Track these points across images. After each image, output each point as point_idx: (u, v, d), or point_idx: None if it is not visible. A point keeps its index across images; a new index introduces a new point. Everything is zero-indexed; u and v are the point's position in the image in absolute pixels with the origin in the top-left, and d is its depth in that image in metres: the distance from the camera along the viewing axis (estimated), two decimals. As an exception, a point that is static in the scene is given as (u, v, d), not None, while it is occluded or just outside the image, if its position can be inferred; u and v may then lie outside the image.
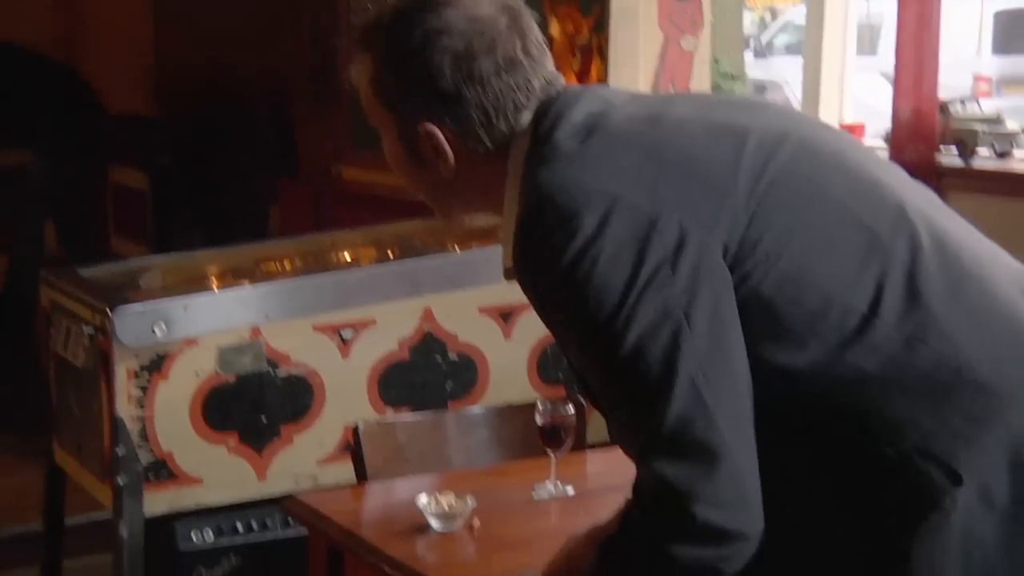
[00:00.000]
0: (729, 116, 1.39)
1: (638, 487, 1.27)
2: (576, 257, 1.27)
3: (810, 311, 1.28)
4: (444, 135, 1.41)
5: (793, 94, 7.14)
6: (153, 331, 2.49)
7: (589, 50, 2.98)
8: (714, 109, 1.43)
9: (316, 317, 2.65)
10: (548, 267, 1.30)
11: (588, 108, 1.38)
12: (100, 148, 5.68)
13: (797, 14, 9.18)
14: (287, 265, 3.06)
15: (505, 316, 2.83)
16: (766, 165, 1.32)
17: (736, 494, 1.23)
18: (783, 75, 8.13)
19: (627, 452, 1.30)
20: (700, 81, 3.21)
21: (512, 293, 2.80)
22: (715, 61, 3.59)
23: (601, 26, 2.92)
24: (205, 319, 2.56)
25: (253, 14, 6.01)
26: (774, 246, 1.28)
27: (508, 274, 1.42)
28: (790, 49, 9.02)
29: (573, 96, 1.40)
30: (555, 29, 3.07)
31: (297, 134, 5.31)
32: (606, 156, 1.32)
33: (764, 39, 9.90)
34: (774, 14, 10.79)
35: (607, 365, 1.29)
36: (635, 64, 2.90)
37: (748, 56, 6.37)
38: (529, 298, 1.37)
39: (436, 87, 1.39)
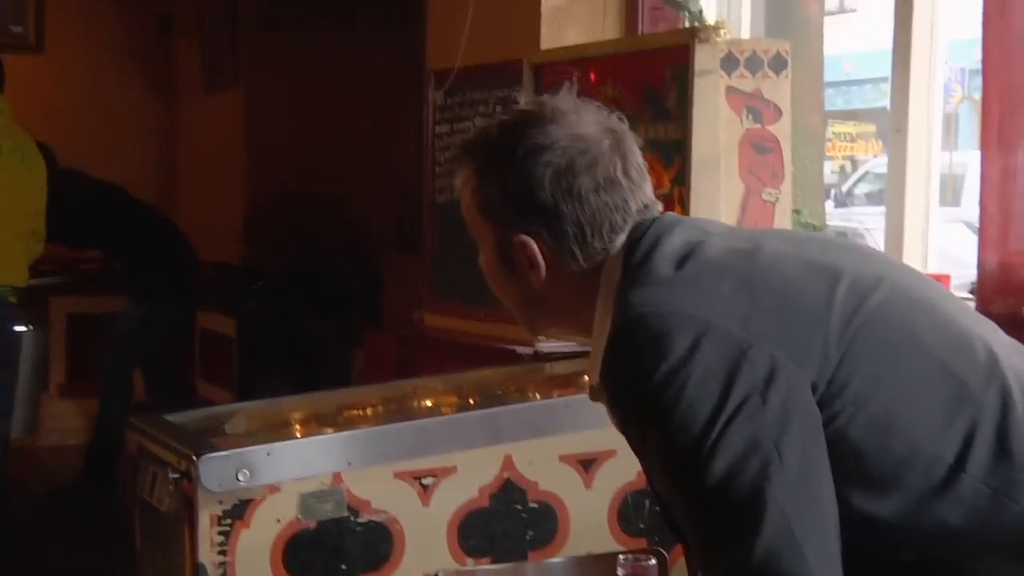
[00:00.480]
0: (823, 255, 1.40)
1: None
2: (665, 379, 1.27)
3: (896, 458, 1.26)
4: (539, 247, 1.44)
5: (875, 243, 7.11)
6: (237, 477, 2.51)
7: (670, 201, 3.01)
8: (808, 247, 1.44)
9: (397, 464, 2.66)
10: (636, 388, 1.30)
11: (685, 236, 1.40)
12: (194, 301, 5.80)
13: (877, 163, 9.21)
14: (369, 411, 3.08)
15: (586, 464, 2.81)
16: (859, 307, 1.31)
17: None
18: (864, 224, 8.11)
19: None
20: (781, 231, 3.22)
21: (593, 441, 2.80)
22: (796, 211, 3.60)
23: (682, 178, 2.96)
24: (288, 466, 2.57)
25: (341, 170, 6.19)
26: (863, 389, 1.27)
27: (594, 394, 1.45)
28: (871, 198, 9.03)
29: (671, 223, 1.43)
30: (636, 180, 3.11)
31: (382, 282, 5.41)
32: (701, 283, 1.33)
33: (845, 188, 9.91)
34: (854, 164, 10.83)
35: (693, 492, 1.27)
36: (716, 215, 2.92)
37: (829, 205, 6.38)
38: (614, 418, 1.37)
39: (535, 199, 1.43)
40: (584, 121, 1.44)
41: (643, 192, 1.46)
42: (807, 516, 1.22)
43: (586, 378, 1.49)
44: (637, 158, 1.47)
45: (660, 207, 1.48)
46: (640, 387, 1.29)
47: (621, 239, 1.42)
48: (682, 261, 1.36)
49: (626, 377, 1.32)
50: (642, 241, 1.40)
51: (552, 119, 1.44)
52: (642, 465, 1.38)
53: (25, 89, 5.97)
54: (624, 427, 1.36)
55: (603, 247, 1.43)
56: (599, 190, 1.42)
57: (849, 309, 1.31)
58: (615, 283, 1.41)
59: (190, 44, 6.87)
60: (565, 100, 1.47)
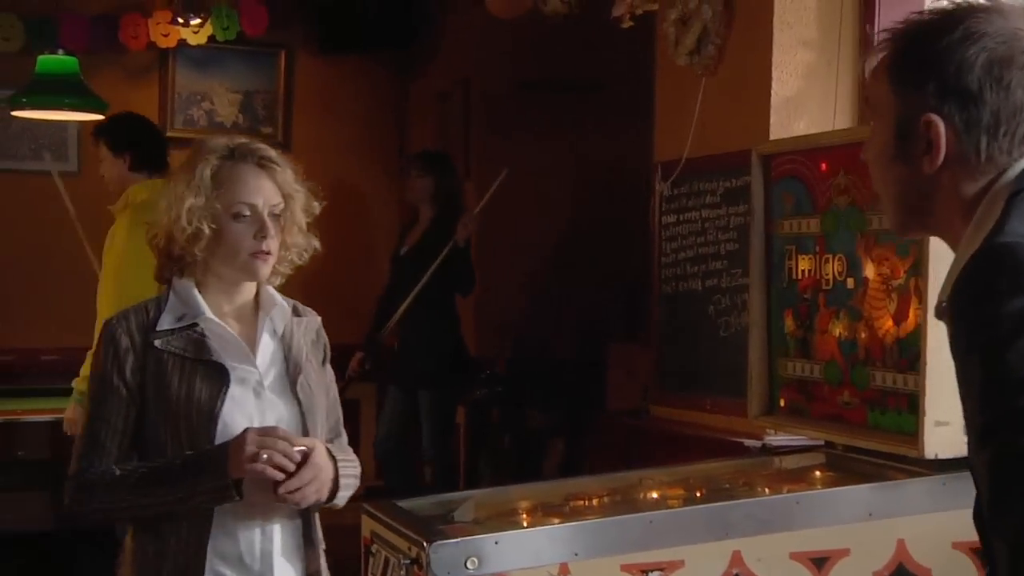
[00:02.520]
0: None
1: None
2: (1012, 313, 1.23)
3: None
4: (945, 131, 1.41)
5: None
6: (466, 565, 2.55)
7: (906, 292, 2.93)
8: None
9: (624, 556, 2.64)
10: (979, 313, 1.26)
11: None
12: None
13: None
14: (595, 502, 3.07)
15: (819, 563, 2.73)
16: None
17: None
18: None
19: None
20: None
21: (826, 539, 2.72)
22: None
23: (918, 268, 2.87)
24: (515, 555, 2.59)
25: (568, 260, 6.28)
26: None
27: (939, 311, 1.39)
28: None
29: None
30: (870, 270, 3.05)
31: (608, 373, 5.42)
32: None
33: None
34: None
35: (1005, 443, 1.23)
36: (955, 307, 2.82)
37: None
38: (951, 342, 1.32)
39: (961, 80, 1.39)
40: None
41: None
42: None
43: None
44: None
45: None
46: (984, 312, 1.25)
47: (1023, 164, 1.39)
48: None
49: (973, 299, 1.28)
50: None
51: (998, 12, 1.42)
52: (963, 402, 1.33)
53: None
54: (956, 352, 1.31)
55: (1007, 152, 1.39)
56: None
57: None
58: (999, 205, 1.36)
59: (422, 134, 7.13)
60: (1015, 3, 1.45)
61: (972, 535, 1.45)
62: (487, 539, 2.61)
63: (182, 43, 6.46)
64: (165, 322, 2.33)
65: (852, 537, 2.77)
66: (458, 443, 6.15)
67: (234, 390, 2.31)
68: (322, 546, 2.44)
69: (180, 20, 6.31)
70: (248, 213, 2.31)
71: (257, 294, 2.43)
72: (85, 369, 4.04)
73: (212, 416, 2.28)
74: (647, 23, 4.34)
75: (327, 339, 2.52)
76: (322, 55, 7.02)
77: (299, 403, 2.37)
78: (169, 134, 6.86)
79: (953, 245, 1.46)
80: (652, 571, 2.65)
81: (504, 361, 6.34)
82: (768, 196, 3.41)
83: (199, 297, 2.35)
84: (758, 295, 3.43)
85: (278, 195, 2.34)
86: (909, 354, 2.91)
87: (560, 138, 6.37)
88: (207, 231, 2.28)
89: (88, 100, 5.98)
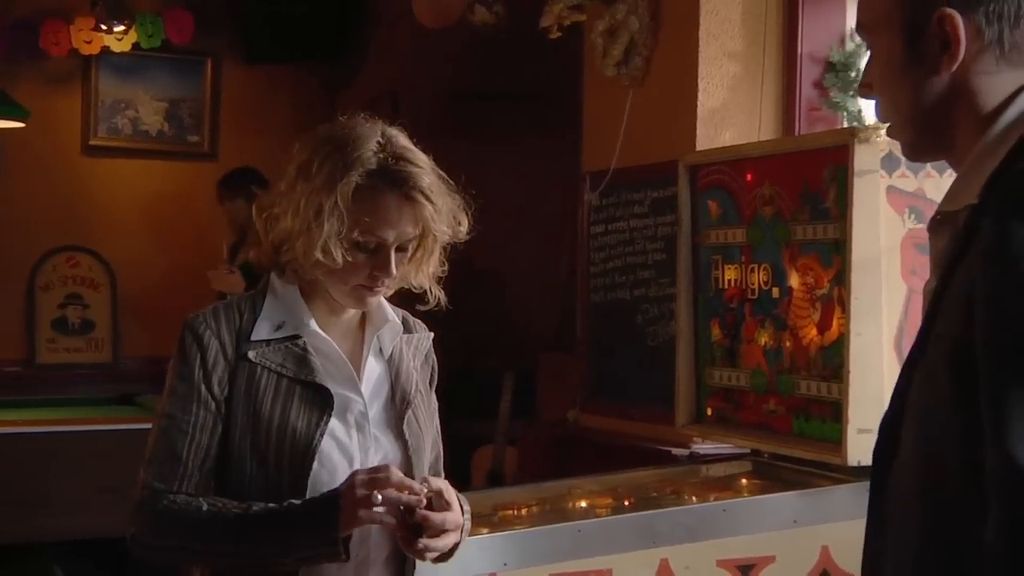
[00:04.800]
0: None
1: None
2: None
3: None
4: (963, 24, 1.29)
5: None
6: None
7: (830, 301, 2.97)
8: None
9: (552, 566, 2.64)
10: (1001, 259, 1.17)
11: None
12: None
13: (1048, 262, 8.89)
14: (524, 512, 3.08)
15: (744, 570, 2.75)
16: None
17: None
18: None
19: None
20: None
21: (752, 546, 2.74)
22: (961, 311, 3.51)
23: (841, 278, 2.91)
24: (444, 565, 2.58)
25: (499, 270, 6.28)
26: None
27: (933, 225, 1.34)
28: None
29: None
30: (795, 280, 3.09)
31: (539, 383, 5.43)
32: None
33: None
34: (1023, 262, 10.50)
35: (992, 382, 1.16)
36: (878, 315, 2.87)
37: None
38: (939, 257, 1.27)
39: None
40: None
41: None
42: None
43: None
44: None
45: None
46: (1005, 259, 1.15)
47: None
48: None
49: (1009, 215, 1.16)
50: None
51: None
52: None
53: (203, 193, 6.30)
54: (989, 257, 1.18)
55: None
56: None
57: None
58: (1018, 119, 1.27)
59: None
60: None
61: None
62: (416, 550, 2.60)
63: (106, 50, 6.36)
64: (262, 330, 1.95)
65: (778, 544, 2.80)
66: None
67: (334, 421, 1.94)
68: None
69: (103, 27, 6.22)
70: (374, 247, 1.92)
71: None
72: None
73: (309, 449, 1.90)
74: (576, 34, 4.36)
75: (436, 360, 2.17)
76: (249, 64, 6.96)
77: (405, 442, 2.00)
78: (92, 142, 6.78)
79: (958, 163, 1.34)
80: (580, 580, 2.65)
81: (456, 373, 6.32)
82: (695, 206, 3.45)
83: (305, 305, 1.97)
84: (685, 304, 3.46)
85: (415, 229, 1.95)
86: (832, 363, 2.95)
87: (491, 149, 6.38)
88: (339, 262, 1.89)
89: (8, 108, 5.88)
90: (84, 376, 6.49)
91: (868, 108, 3.87)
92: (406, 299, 2.09)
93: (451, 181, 2.03)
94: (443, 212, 1.97)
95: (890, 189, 2.89)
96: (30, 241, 6.56)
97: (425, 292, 2.06)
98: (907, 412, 1.30)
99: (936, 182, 2.86)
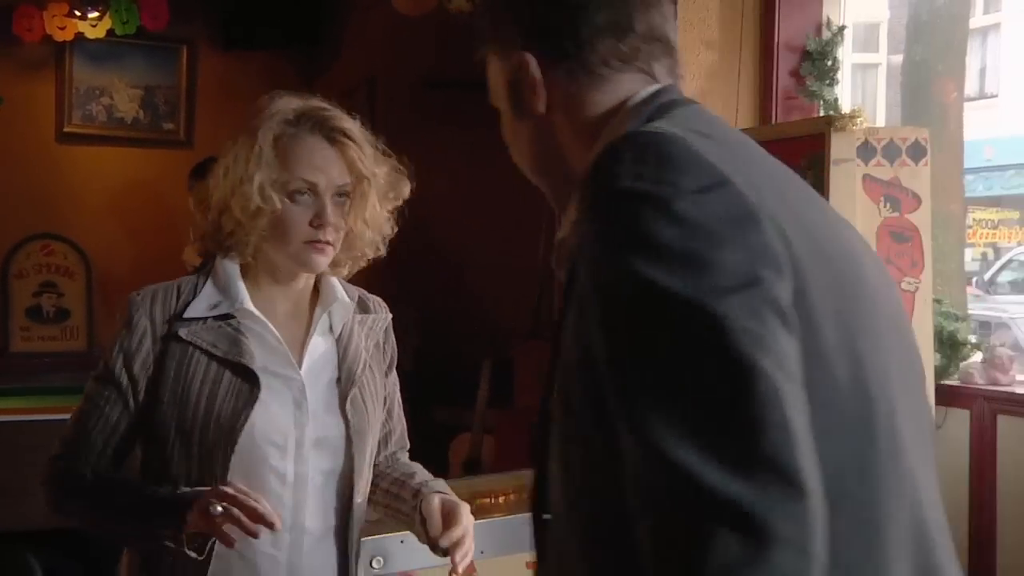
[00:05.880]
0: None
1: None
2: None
3: None
4: (534, 62, 1.27)
5: (1021, 332, 6.91)
6: (371, 564, 2.53)
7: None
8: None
9: (530, 554, 2.64)
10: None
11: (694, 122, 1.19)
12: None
13: (1022, 251, 8.97)
14: (502, 500, 3.07)
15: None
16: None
17: None
18: (1009, 313, 7.89)
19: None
20: (922, 322, 3.15)
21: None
22: (937, 301, 3.52)
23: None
24: (421, 553, 2.57)
25: (477, 258, 6.28)
26: None
27: (555, 257, 1.30)
28: (1015, 286, 8.78)
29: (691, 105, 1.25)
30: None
31: (516, 370, 5.43)
32: None
33: (987, 276, 9.67)
34: (997, 251, 10.57)
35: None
36: (853, 304, 2.87)
37: (971, 293, 6.23)
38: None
39: (530, 9, 1.28)
40: None
41: (676, 62, 1.29)
42: None
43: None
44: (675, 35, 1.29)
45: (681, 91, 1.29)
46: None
47: (630, 85, 1.24)
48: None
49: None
50: (655, 101, 1.22)
51: None
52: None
53: (178, 181, 6.26)
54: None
55: (613, 70, 1.24)
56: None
57: None
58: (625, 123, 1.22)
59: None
60: None
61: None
62: (392, 538, 2.60)
63: (80, 37, 6.32)
64: (197, 308, 1.97)
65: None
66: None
67: (270, 400, 1.94)
68: None
69: (77, 13, 6.18)
70: (307, 193, 1.94)
71: (317, 283, 2.09)
72: None
73: (233, 430, 1.91)
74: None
75: (395, 340, 2.20)
76: (225, 51, 6.93)
77: (347, 421, 2.02)
78: (66, 129, 6.74)
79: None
80: (558, 568, 2.65)
81: (411, 357, 6.32)
82: (672, 195, 3.44)
83: (240, 284, 1.99)
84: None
85: (347, 175, 1.97)
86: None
87: (468, 136, 6.36)
88: (278, 205, 1.91)
89: (-18, 94, 5.84)
90: (59, 364, 6.46)
91: (844, 97, 3.89)
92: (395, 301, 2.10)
93: (389, 151, 2.07)
94: (370, 156, 1.98)
95: (866, 177, 2.90)
96: (3, 229, 6.52)
97: (381, 261, 2.09)
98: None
99: (912, 170, 2.87)
